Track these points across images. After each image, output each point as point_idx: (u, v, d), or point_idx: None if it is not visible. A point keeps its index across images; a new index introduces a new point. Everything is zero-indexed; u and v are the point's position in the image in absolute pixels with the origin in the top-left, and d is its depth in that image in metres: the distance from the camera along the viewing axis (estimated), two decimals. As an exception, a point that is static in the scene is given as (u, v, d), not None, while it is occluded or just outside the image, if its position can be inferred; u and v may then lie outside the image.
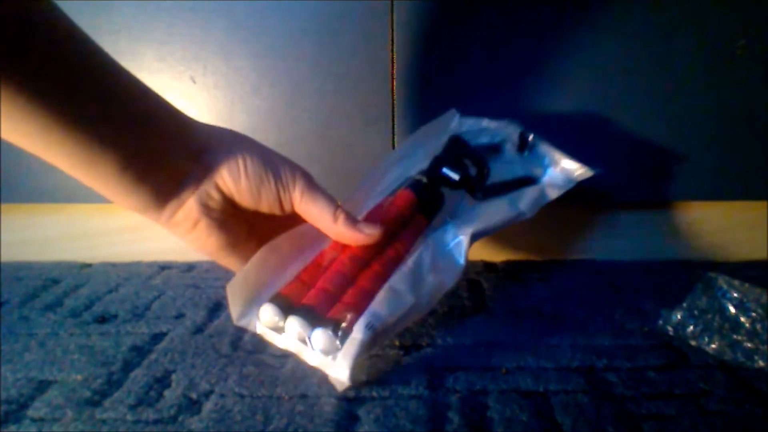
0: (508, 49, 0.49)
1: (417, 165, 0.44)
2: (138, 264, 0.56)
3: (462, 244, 0.40)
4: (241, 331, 0.41)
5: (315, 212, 0.35)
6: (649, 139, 0.51)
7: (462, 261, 0.39)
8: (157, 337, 0.41)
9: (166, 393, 0.33)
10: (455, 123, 0.48)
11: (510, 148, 0.48)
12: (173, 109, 0.32)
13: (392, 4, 0.48)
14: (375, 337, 0.33)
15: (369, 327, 0.33)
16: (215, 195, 0.33)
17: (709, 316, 0.38)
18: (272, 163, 0.34)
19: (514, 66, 0.50)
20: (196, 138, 0.33)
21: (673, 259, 0.56)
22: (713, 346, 0.37)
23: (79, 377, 0.35)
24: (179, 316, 0.44)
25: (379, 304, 0.35)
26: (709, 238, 0.56)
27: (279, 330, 0.34)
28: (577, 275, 0.51)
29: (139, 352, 0.38)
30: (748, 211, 0.55)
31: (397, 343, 0.39)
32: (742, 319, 0.37)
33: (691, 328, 0.38)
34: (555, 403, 0.32)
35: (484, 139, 0.48)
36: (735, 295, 0.38)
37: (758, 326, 0.36)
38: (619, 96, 0.50)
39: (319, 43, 0.49)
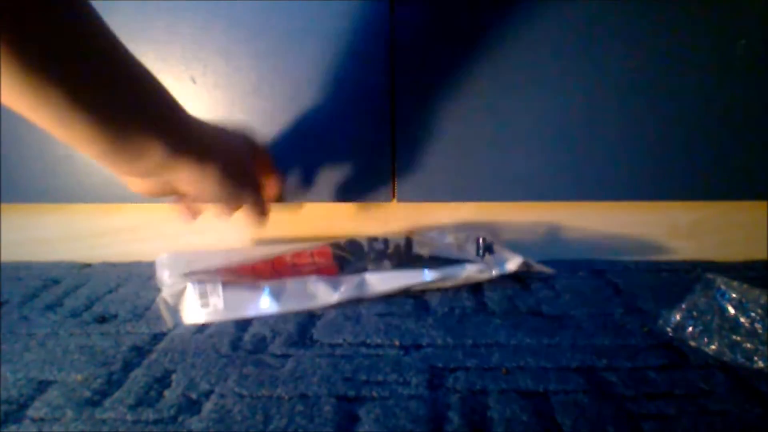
0: (509, 48, 0.49)
1: None
2: (138, 264, 0.56)
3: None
4: (241, 331, 0.41)
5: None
6: (648, 138, 0.51)
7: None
8: (157, 337, 0.41)
9: (166, 393, 0.33)
10: None
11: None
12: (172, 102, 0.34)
13: (392, 4, 0.48)
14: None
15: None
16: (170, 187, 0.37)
17: (708, 317, 0.38)
18: (236, 196, 0.40)
19: (515, 64, 0.50)
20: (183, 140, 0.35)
21: (673, 259, 0.56)
22: (713, 347, 0.37)
23: (79, 377, 0.35)
24: (179, 316, 0.44)
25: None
26: (709, 238, 0.56)
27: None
28: (577, 275, 0.52)
29: (139, 352, 0.38)
30: (748, 211, 0.55)
31: (397, 342, 0.39)
32: (742, 319, 0.37)
33: (691, 329, 0.38)
34: (555, 403, 0.32)
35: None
36: (734, 296, 0.38)
37: (757, 327, 0.36)
38: (618, 95, 0.50)
39: (319, 43, 0.49)
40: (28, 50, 0.25)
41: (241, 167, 0.40)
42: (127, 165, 0.33)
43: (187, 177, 0.35)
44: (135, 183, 0.36)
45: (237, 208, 0.42)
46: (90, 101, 0.28)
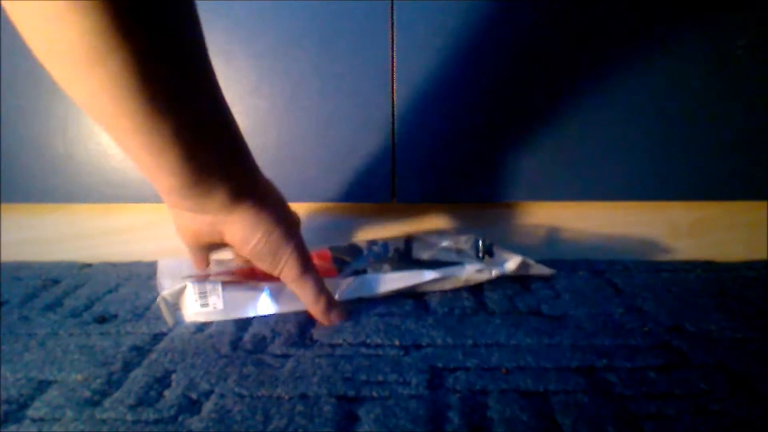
0: (507, 47, 0.50)
1: None
2: (138, 264, 0.56)
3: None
4: (241, 331, 0.41)
5: (303, 295, 0.41)
6: (648, 138, 0.51)
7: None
8: (157, 337, 0.41)
9: (166, 393, 0.33)
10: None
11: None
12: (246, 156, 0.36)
13: (392, 4, 0.48)
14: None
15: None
16: (216, 239, 0.38)
17: None
18: (280, 249, 0.38)
19: (513, 63, 0.50)
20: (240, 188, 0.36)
21: (673, 259, 0.56)
22: None
23: (79, 377, 0.35)
24: (179, 316, 0.44)
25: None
26: (709, 238, 0.56)
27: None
28: (577, 275, 0.51)
29: (139, 352, 0.38)
30: (748, 211, 0.55)
31: (397, 342, 0.39)
32: None
33: None
34: (555, 403, 0.32)
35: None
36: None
37: None
38: (617, 95, 0.50)
39: (319, 43, 0.49)
40: (154, 68, 0.27)
41: (288, 221, 0.39)
42: (192, 201, 0.34)
43: (241, 222, 0.36)
44: (185, 218, 0.37)
45: (277, 268, 0.39)
46: (188, 133, 0.30)
